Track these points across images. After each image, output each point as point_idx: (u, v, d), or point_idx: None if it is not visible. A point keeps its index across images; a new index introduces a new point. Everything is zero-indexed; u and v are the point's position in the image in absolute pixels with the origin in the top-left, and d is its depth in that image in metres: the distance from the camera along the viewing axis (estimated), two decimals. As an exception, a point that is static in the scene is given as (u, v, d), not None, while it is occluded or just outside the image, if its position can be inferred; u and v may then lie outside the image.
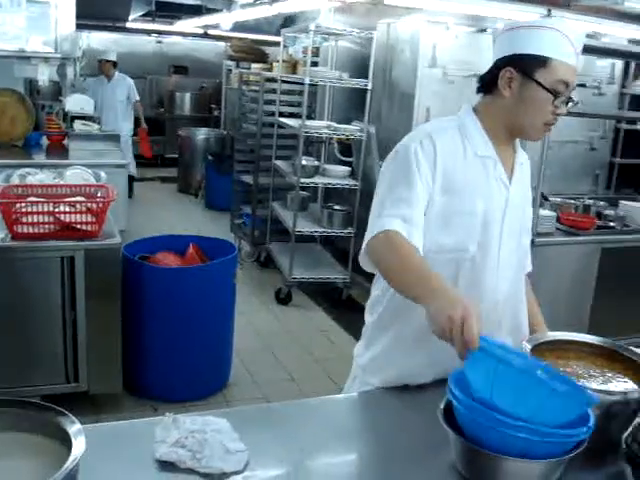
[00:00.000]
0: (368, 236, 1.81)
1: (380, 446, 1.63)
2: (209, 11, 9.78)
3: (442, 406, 1.47)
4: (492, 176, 1.91)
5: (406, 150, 1.85)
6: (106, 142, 6.36)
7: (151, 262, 4.12)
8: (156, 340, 3.98)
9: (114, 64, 8.78)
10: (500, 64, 1.86)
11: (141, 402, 3.97)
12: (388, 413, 1.82)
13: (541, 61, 1.80)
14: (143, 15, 10.90)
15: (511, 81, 1.84)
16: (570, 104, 1.87)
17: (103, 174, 4.42)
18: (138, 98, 9.09)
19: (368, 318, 2.08)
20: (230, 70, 10.69)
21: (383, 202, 1.83)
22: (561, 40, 1.80)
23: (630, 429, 1.58)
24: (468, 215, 1.87)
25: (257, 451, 1.49)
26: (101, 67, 8.78)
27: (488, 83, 1.91)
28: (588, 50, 5.17)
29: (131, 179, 8.76)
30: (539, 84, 1.80)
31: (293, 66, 6.96)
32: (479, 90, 1.96)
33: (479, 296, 1.86)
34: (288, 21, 9.12)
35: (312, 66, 6.03)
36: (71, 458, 1.16)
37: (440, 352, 1.75)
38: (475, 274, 1.90)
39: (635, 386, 1.65)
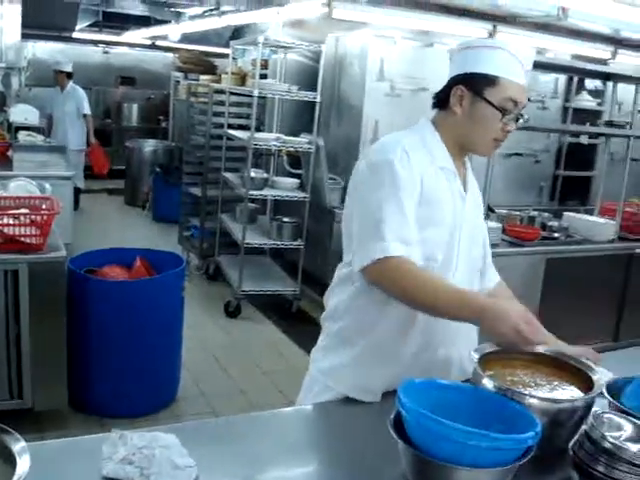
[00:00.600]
0: (366, 260, 1.80)
1: (332, 458, 1.63)
2: (157, 22, 9.73)
3: (392, 416, 1.48)
4: (453, 188, 1.96)
5: (389, 166, 1.85)
6: (51, 153, 6.26)
7: (97, 276, 4.05)
8: (103, 355, 3.91)
9: (68, 75, 8.68)
10: (452, 82, 1.92)
11: (87, 418, 3.88)
12: (339, 425, 1.82)
13: (490, 80, 1.86)
14: (90, 25, 10.77)
15: (462, 99, 1.90)
16: (520, 121, 1.93)
17: (48, 186, 4.34)
18: (88, 112, 8.92)
19: (329, 326, 2.07)
20: (178, 81, 10.64)
21: (376, 223, 1.81)
22: (510, 60, 1.86)
23: (577, 436, 1.61)
24: (440, 225, 1.92)
25: (206, 466, 1.46)
26: (56, 78, 8.69)
27: (442, 100, 1.96)
28: (533, 65, 5.29)
29: (77, 191, 8.63)
30: (488, 102, 1.87)
31: (242, 78, 6.95)
32: (434, 105, 2.00)
33: None
34: (237, 33, 9.12)
35: (261, 78, 6.03)
36: (15, 477, 1.13)
37: (404, 366, 1.86)
38: None
39: (581, 394, 1.68)
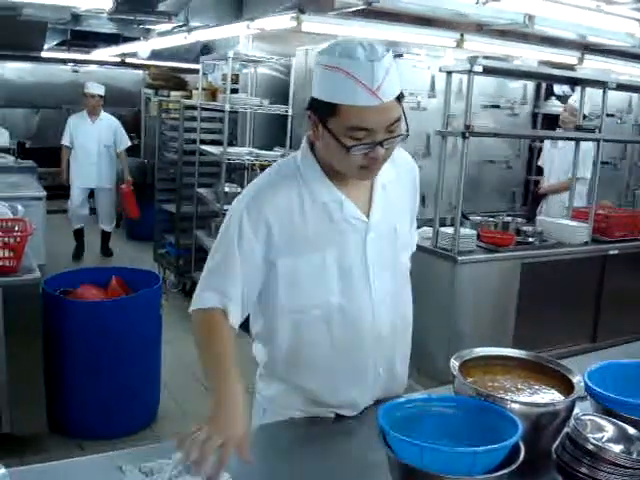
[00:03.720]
0: (193, 304, 1.81)
1: (319, 472, 1.61)
2: (126, 40, 9.68)
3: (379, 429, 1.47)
4: (340, 219, 1.75)
5: (233, 216, 1.76)
6: (23, 174, 6.20)
7: (72, 297, 4.01)
8: (81, 376, 3.87)
9: (102, 99, 7.98)
10: (308, 106, 1.69)
11: (67, 441, 3.84)
12: (322, 440, 1.81)
13: (330, 108, 1.59)
14: (58, 44, 10.71)
15: (316, 125, 1.66)
16: (397, 140, 1.64)
17: (20, 207, 4.29)
18: (128, 145, 8.42)
19: (260, 356, 2.00)
20: (149, 98, 10.57)
21: (207, 268, 1.81)
22: (347, 82, 1.55)
23: (559, 439, 1.61)
24: (320, 270, 1.75)
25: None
26: (87, 103, 7.94)
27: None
28: (501, 72, 5.36)
29: (105, 236, 8.50)
30: (331, 133, 1.61)
31: (213, 93, 6.95)
32: None
33: (361, 338, 1.82)
34: (207, 48, 9.11)
35: (232, 93, 6.03)
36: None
37: (347, 386, 1.83)
38: (348, 320, 1.80)
39: (561, 397, 1.69)
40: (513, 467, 1.36)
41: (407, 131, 1.66)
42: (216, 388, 1.61)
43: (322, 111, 1.62)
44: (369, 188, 1.81)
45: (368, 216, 1.79)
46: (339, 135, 1.60)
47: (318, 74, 1.63)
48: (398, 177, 1.88)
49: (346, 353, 1.83)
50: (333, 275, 1.77)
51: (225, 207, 5.71)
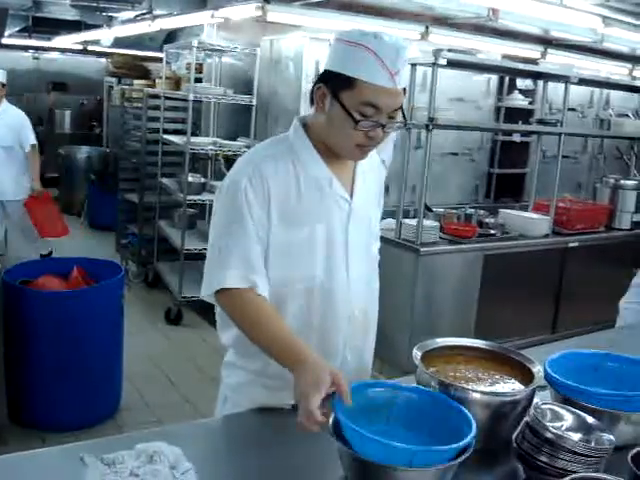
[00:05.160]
0: (209, 288, 1.76)
1: (278, 462, 1.61)
2: (89, 27, 9.55)
3: (331, 421, 1.48)
4: (329, 196, 1.83)
5: (235, 188, 1.76)
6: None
7: (33, 287, 3.96)
8: (42, 367, 3.82)
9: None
10: (320, 78, 1.76)
11: (29, 433, 3.78)
12: (285, 431, 1.81)
13: (347, 82, 1.67)
14: (20, 31, 10.52)
15: (324, 98, 1.74)
16: (394, 127, 1.75)
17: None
18: (34, 142, 6.34)
19: (226, 341, 1.97)
20: (111, 87, 10.44)
21: (220, 247, 1.77)
22: (371, 60, 1.65)
23: (519, 428, 1.64)
24: (309, 243, 1.80)
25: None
26: None
27: (312, 94, 1.80)
28: (465, 66, 5.39)
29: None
30: (342, 106, 1.69)
31: (177, 82, 6.88)
32: (311, 102, 1.83)
33: (336, 314, 1.86)
34: (171, 37, 9.03)
35: (196, 82, 5.98)
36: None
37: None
38: (326, 296, 1.85)
39: (522, 386, 1.71)
40: (449, 464, 1.37)
41: (405, 122, 1.80)
42: (292, 360, 1.61)
43: (338, 84, 1.69)
44: (352, 172, 1.89)
45: (350, 198, 1.87)
46: (350, 108, 1.68)
47: (340, 49, 1.71)
48: (371, 170, 1.96)
49: (320, 330, 1.86)
50: (319, 249, 1.82)
51: (189, 197, 5.67)
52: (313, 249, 1.81)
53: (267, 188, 1.75)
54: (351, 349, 1.92)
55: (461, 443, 1.38)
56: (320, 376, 1.49)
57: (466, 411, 1.51)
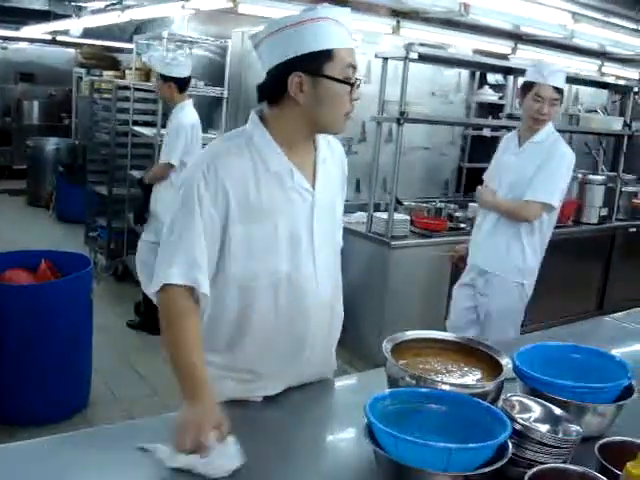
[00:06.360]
0: (156, 285, 1.75)
1: (250, 455, 1.61)
2: (57, 17, 9.40)
3: (364, 426, 1.48)
4: (290, 188, 1.82)
5: (188, 184, 1.75)
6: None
7: (0, 280, 3.90)
8: (9, 362, 3.76)
9: None
10: (282, 71, 1.72)
11: (-5, 427, 3.75)
12: (255, 424, 1.81)
13: (326, 55, 1.71)
14: (-14, 20, 10.34)
15: (302, 85, 1.72)
16: (359, 84, 1.78)
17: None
18: None
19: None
20: (81, 77, 10.32)
21: (167, 243, 1.76)
22: (335, 27, 1.71)
23: (487, 420, 1.65)
24: (272, 238, 1.79)
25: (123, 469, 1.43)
26: None
27: (273, 94, 1.79)
28: (436, 60, 5.41)
29: None
30: (332, 79, 1.72)
31: (147, 74, 6.81)
32: (261, 100, 1.84)
33: (304, 306, 1.86)
34: (141, 28, 8.93)
35: (166, 74, 5.92)
36: None
37: (286, 363, 1.86)
38: (294, 289, 1.84)
39: (491, 378, 1.72)
40: (487, 469, 1.37)
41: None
42: (188, 389, 1.69)
43: (316, 62, 1.71)
44: (312, 161, 1.88)
45: (313, 188, 1.86)
46: (339, 77, 1.72)
47: (305, 30, 1.70)
48: (333, 158, 1.96)
49: (290, 321, 1.86)
50: (283, 243, 1.81)
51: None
52: (276, 243, 1.80)
53: (222, 185, 1.73)
54: (318, 340, 1.93)
55: (499, 438, 1.39)
56: (215, 416, 1.59)
57: (497, 410, 1.52)
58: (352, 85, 1.74)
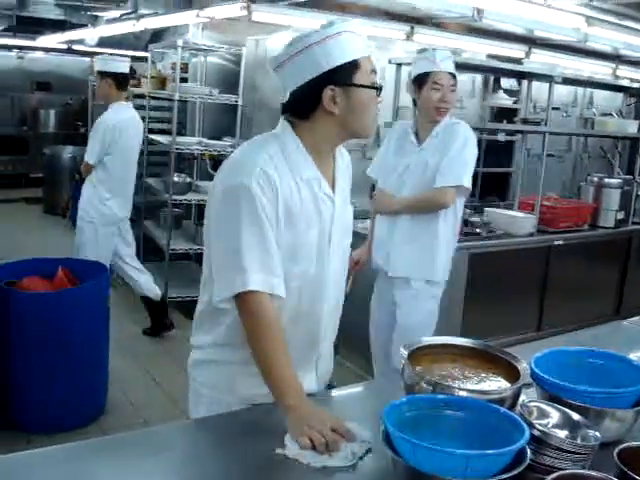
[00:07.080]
0: (227, 292, 1.76)
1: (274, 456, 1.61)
2: (73, 26, 9.48)
3: (381, 432, 1.47)
4: (318, 196, 1.87)
5: (245, 192, 1.74)
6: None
7: (18, 288, 3.92)
8: (27, 369, 3.79)
9: None
10: (313, 87, 1.79)
11: (14, 435, 3.74)
12: (275, 426, 1.81)
13: (353, 65, 1.80)
14: (3, 30, 10.43)
15: (334, 97, 1.80)
16: (382, 87, 1.88)
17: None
18: None
19: (202, 337, 2.01)
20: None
21: (236, 253, 1.74)
22: (355, 39, 1.82)
23: (505, 426, 1.64)
24: (307, 244, 1.86)
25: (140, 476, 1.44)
26: None
27: (304, 109, 1.84)
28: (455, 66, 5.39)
29: None
30: (362, 86, 1.82)
31: (162, 82, 6.84)
32: (293, 115, 1.88)
33: (320, 307, 1.94)
34: (156, 36, 8.98)
35: (181, 82, 5.97)
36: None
37: (299, 361, 1.85)
38: (314, 291, 1.91)
39: (508, 384, 1.72)
40: (506, 476, 1.36)
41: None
42: (293, 396, 1.74)
43: (346, 73, 1.80)
44: (332, 170, 1.95)
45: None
46: (367, 83, 1.82)
47: (330, 45, 1.78)
48: (345, 168, 2.04)
49: (306, 321, 1.93)
50: (313, 247, 1.88)
51: (174, 197, 5.65)
52: (309, 247, 1.87)
53: (275, 189, 1.77)
54: (327, 340, 2.02)
55: (517, 444, 1.38)
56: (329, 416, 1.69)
57: (515, 416, 1.51)
58: (378, 89, 1.84)
